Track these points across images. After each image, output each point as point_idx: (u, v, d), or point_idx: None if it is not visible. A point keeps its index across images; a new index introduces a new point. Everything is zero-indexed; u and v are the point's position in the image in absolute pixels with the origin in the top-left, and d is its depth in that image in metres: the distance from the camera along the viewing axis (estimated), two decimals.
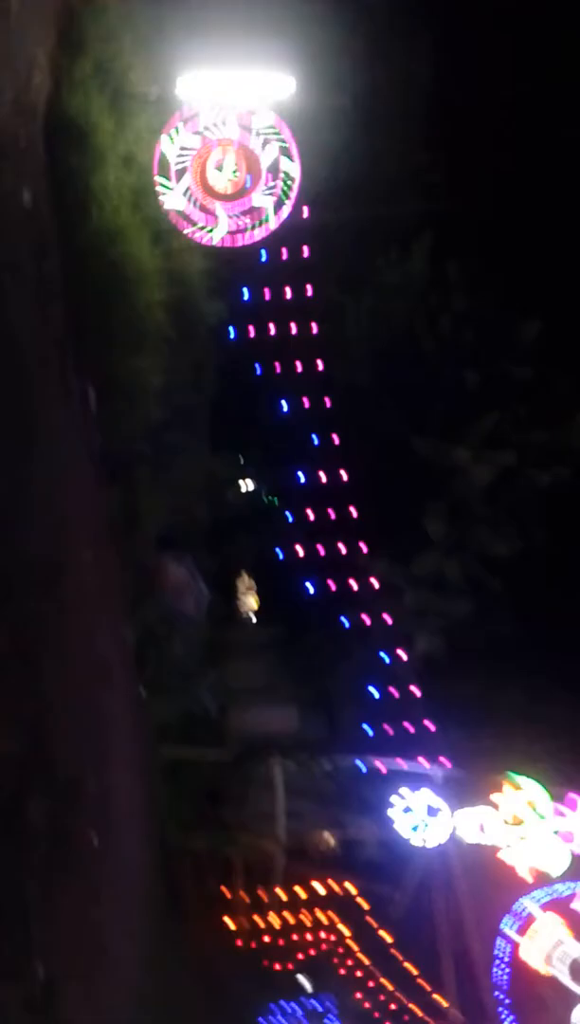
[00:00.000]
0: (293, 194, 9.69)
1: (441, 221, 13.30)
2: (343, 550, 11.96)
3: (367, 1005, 11.53)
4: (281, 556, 12.28)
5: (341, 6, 11.91)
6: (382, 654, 11.81)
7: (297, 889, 12.40)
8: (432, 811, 10.25)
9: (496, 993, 9.85)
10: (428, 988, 11.07)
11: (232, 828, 12.37)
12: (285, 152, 9.59)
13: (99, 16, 8.74)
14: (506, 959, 9.68)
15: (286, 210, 9.71)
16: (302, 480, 12.15)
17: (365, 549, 11.99)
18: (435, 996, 11.02)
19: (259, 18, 9.76)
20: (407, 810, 10.35)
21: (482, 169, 12.84)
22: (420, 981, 11.14)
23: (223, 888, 12.42)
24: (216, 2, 9.87)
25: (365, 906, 12.27)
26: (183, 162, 9.37)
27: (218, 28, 9.57)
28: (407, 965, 11.60)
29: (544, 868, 9.88)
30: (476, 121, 13.00)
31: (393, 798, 10.49)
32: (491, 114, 12.99)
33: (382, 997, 11.45)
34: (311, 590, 11.99)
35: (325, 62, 10.80)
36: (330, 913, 12.45)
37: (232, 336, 11.90)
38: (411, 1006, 11.08)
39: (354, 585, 11.95)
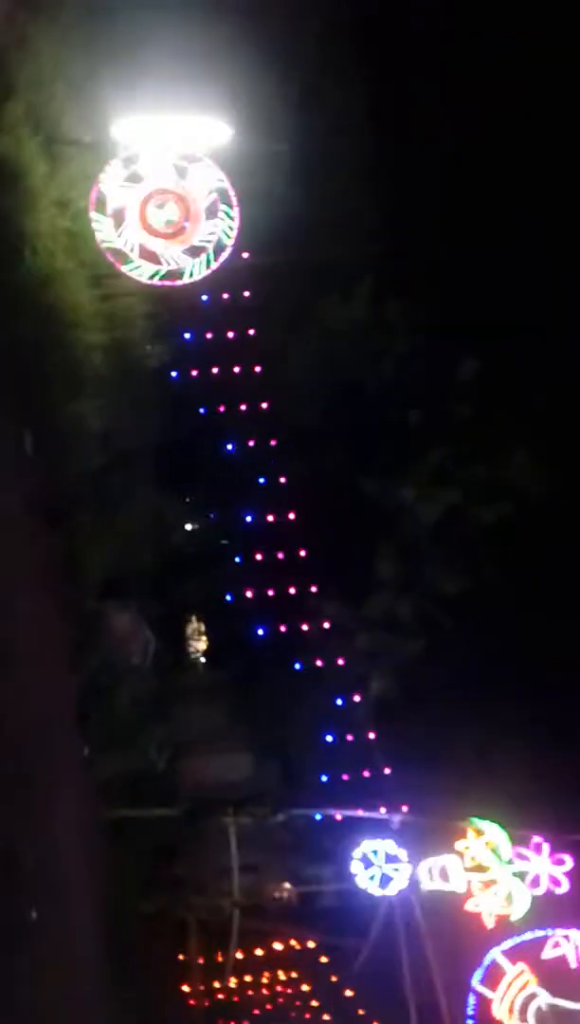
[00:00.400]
0: (233, 236, 9.71)
1: (382, 263, 13.51)
2: (293, 592, 11.80)
3: None
4: (230, 599, 12.04)
5: (275, 53, 12.15)
6: (336, 697, 11.60)
7: (255, 950, 11.97)
8: (391, 859, 9.95)
9: None
10: None
11: (186, 886, 11.91)
12: (223, 195, 9.63)
13: (30, 61, 8.71)
14: (476, 1015, 9.38)
15: (226, 252, 9.72)
16: (249, 521, 12.00)
17: (315, 591, 11.85)
18: None
19: (194, 64, 9.86)
20: (365, 859, 10.04)
21: (419, 211, 13.11)
22: None
23: (177, 951, 11.90)
24: (150, 49, 9.96)
25: (325, 960, 11.89)
26: (120, 206, 9.32)
27: (153, 74, 9.64)
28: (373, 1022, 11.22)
29: (508, 914, 9.65)
30: (413, 163, 13.32)
31: (352, 849, 10.18)
32: (428, 155, 13.32)
33: None
34: (261, 633, 11.76)
35: (261, 108, 10.96)
36: (290, 971, 12.03)
37: (175, 377, 11.78)
38: None
39: (305, 628, 11.77)
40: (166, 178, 9.56)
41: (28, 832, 7.15)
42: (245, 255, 11.04)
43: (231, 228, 9.68)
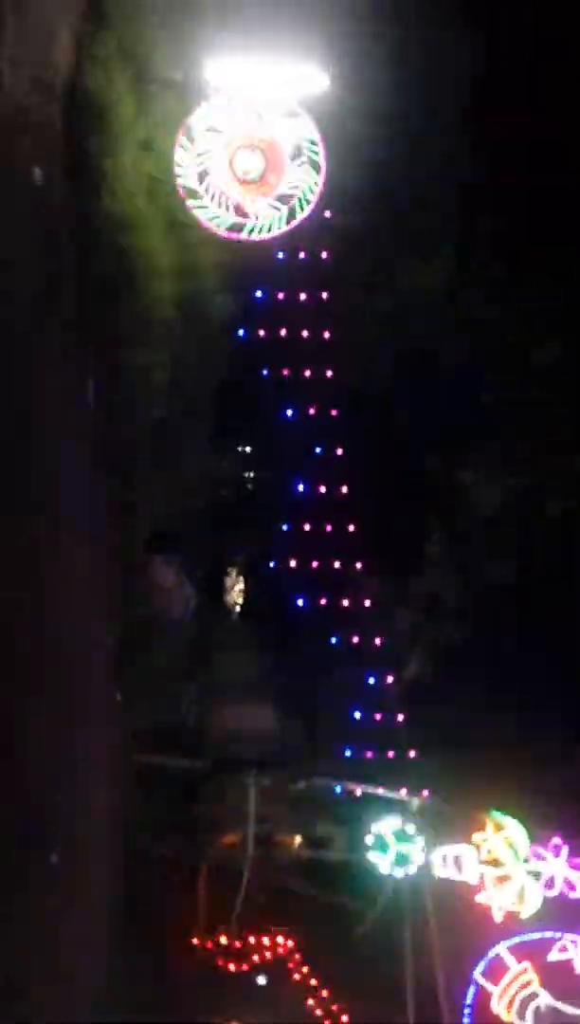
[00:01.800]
0: (317, 192, 9.35)
1: (471, 230, 12.90)
2: (336, 565, 11.66)
3: (319, 1012, 11.36)
4: (273, 565, 11.97)
5: (375, 2, 11.46)
6: (369, 675, 11.53)
7: (261, 899, 12.23)
8: (406, 840, 9.97)
9: None
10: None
11: (201, 828, 12.18)
12: (312, 149, 9.25)
13: None
14: (474, 1006, 9.42)
15: (309, 209, 9.38)
16: (301, 490, 11.82)
17: (359, 565, 11.68)
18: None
19: (292, 9, 9.36)
20: (379, 836, 10.07)
21: (521, 180, 12.40)
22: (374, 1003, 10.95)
23: (188, 896, 12.24)
24: None
25: (327, 919, 12.09)
26: (205, 151, 9.02)
27: (249, 17, 9.18)
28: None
29: (518, 911, 9.60)
30: (520, 125, 12.55)
31: (367, 821, 10.23)
32: (537, 118, 12.52)
33: (335, 1007, 11.28)
34: (301, 603, 11.69)
35: (358, 59, 10.39)
36: (291, 925, 12.28)
37: (242, 334, 11.54)
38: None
39: (345, 601, 11.65)
40: (254, 126, 9.21)
41: (61, 777, 7.31)
42: (327, 213, 10.63)
43: (316, 184, 9.31)
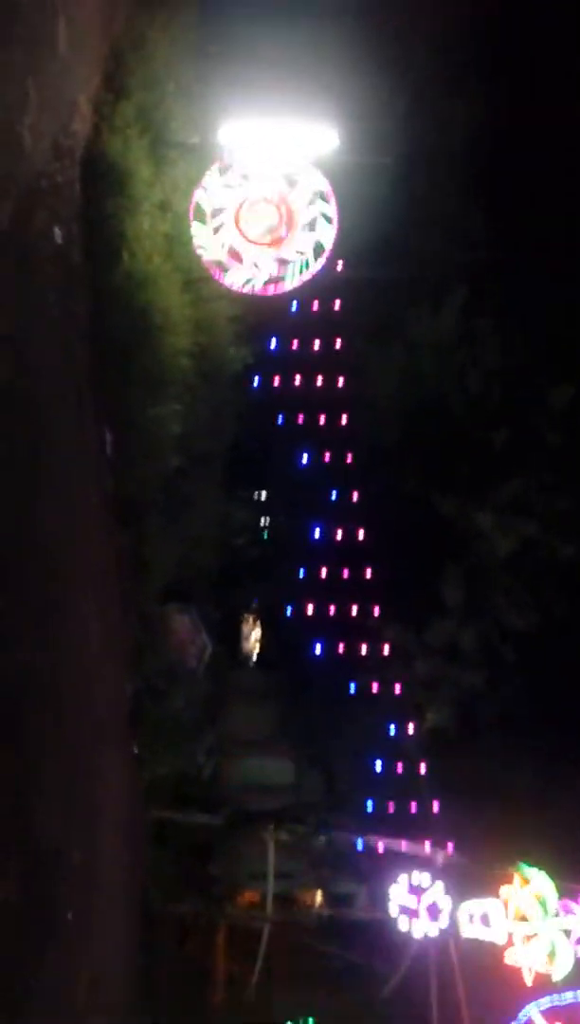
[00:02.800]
0: (329, 247, 9.53)
1: (476, 278, 13.12)
2: (354, 611, 11.58)
3: None
4: (290, 611, 11.91)
5: (386, 62, 11.87)
6: (389, 724, 11.34)
7: (282, 960, 11.88)
8: (430, 898, 9.68)
9: None
10: None
11: (220, 888, 11.90)
12: (324, 206, 9.44)
13: (144, 63, 8.69)
14: None
15: (321, 263, 9.55)
16: (318, 535, 11.82)
17: (377, 611, 11.60)
18: None
19: (303, 72, 9.71)
20: (404, 893, 9.79)
21: (523, 229, 12.67)
22: None
23: (207, 955, 11.91)
24: (260, 55, 9.83)
25: (351, 981, 11.71)
26: (220, 210, 9.24)
27: (262, 80, 9.51)
28: None
29: (548, 971, 9.25)
30: (520, 181, 12.87)
31: (391, 884, 9.94)
32: (537, 174, 12.85)
33: None
34: (318, 650, 11.60)
35: (368, 117, 10.72)
36: (317, 988, 11.89)
37: (256, 384, 11.69)
38: None
39: (363, 648, 11.54)
40: (268, 185, 9.42)
41: (76, 832, 7.19)
42: (339, 266, 10.85)
43: (328, 239, 9.50)
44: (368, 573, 11.63)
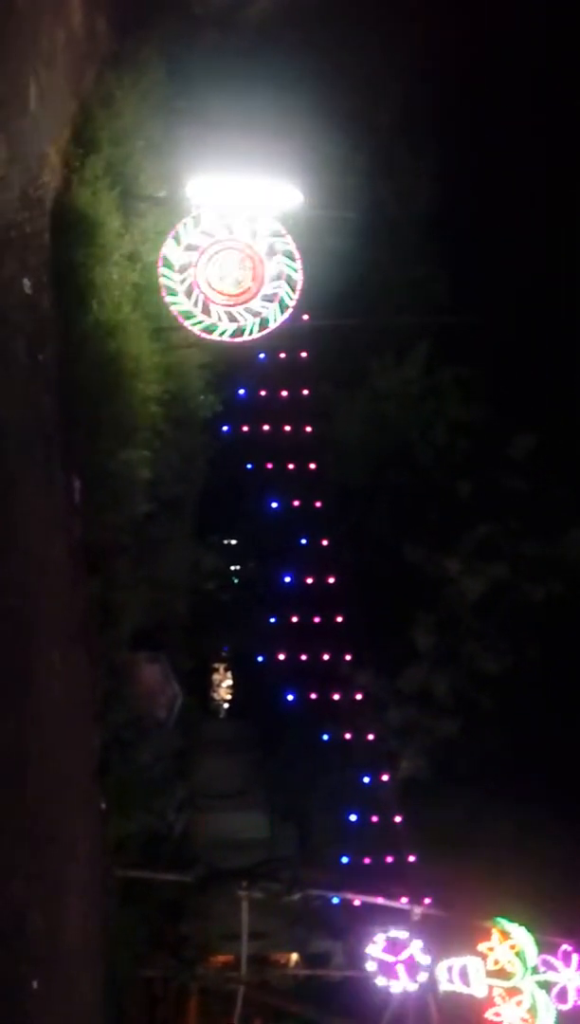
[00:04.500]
0: (295, 299, 9.73)
1: (441, 331, 13.47)
2: (326, 658, 11.48)
3: None
4: (261, 659, 11.77)
5: (348, 122, 12.35)
6: (363, 774, 11.15)
7: (256, 1022, 11.40)
8: (408, 954, 9.40)
9: None
10: None
11: (191, 949, 11.44)
12: (289, 258, 9.68)
13: (114, 119, 8.92)
14: None
15: (287, 313, 9.73)
16: (287, 582, 11.78)
17: (349, 659, 11.51)
18: None
19: (268, 129, 10.05)
20: (381, 952, 9.49)
21: (482, 282, 13.09)
22: None
23: (176, 1019, 11.39)
24: (226, 112, 10.17)
25: None
26: (188, 261, 9.41)
27: (228, 135, 9.82)
28: None
29: None
30: (477, 236, 13.36)
31: (367, 934, 9.66)
32: (493, 229, 13.35)
33: None
34: (290, 698, 11.43)
35: (331, 174, 11.09)
36: None
37: (226, 430, 11.77)
38: None
39: (336, 697, 11.40)
40: (234, 238, 9.65)
41: (40, 898, 6.87)
42: (305, 317, 11.07)
43: (294, 290, 9.71)
44: (339, 619, 11.57)
